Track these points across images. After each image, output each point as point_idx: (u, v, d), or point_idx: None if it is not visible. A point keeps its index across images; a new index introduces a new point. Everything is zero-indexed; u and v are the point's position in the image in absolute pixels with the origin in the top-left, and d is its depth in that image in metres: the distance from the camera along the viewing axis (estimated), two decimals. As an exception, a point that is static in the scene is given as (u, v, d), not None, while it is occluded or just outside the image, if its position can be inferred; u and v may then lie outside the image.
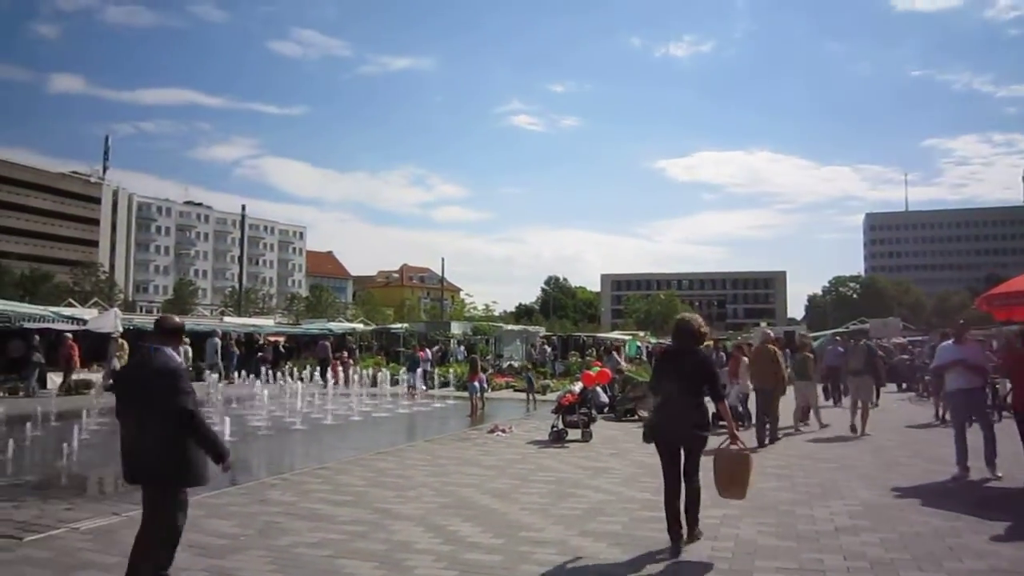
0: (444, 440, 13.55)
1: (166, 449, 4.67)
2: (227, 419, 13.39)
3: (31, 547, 6.07)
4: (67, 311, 26.81)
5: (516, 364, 34.12)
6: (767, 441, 12.30)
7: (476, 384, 18.78)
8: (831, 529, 6.75)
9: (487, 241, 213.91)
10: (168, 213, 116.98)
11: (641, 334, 55.24)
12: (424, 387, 23.77)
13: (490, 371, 27.51)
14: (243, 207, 48.67)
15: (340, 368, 26.67)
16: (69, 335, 22.65)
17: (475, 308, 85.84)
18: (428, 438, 13.83)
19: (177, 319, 5.38)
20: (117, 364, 21.32)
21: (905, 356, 28.86)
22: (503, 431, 13.95)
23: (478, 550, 6.10)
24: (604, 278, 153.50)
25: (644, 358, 36.17)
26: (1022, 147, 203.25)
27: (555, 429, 13.22)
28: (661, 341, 50.09)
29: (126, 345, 22.13)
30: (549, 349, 37.23)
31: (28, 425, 12.88)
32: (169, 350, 4.90)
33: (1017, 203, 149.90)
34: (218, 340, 27.42)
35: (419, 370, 24.66)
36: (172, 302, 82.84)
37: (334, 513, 7.38)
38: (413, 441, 13.33)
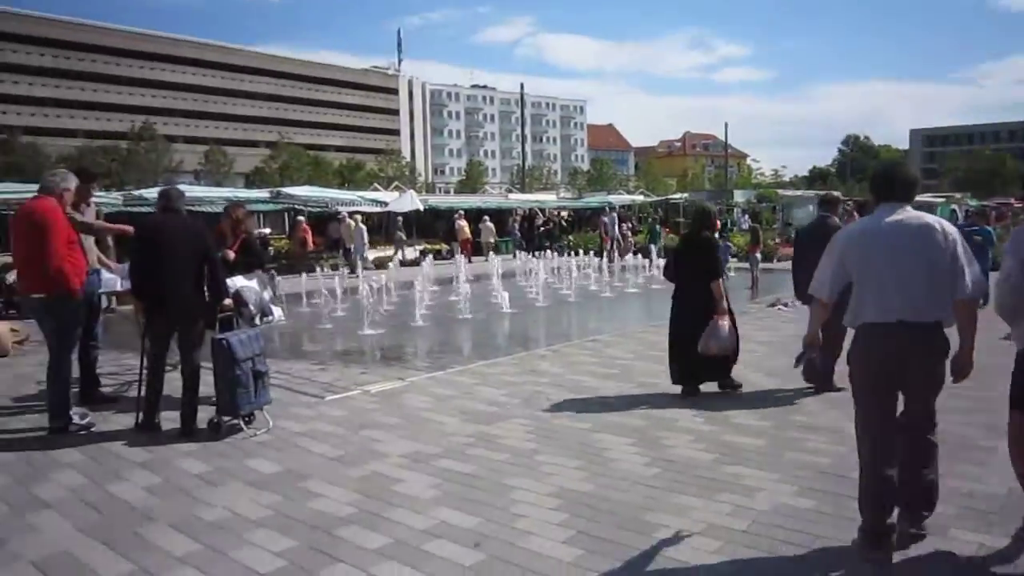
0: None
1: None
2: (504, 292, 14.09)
3: (329, 406, 6.82)
4: (370, 195, 29.63)
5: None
6: None
7: (756, 255, 17.80)
8: None
9: (774, 102, 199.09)
10: (457, 98, 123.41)
11: (958, 196, 48.54)
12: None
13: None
14: (521, 85, 49.93)
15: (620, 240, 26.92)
16: (302, 219, 25.13)
17: (762, 174, 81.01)
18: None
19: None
20: (351, 245, 23.43)
21: None
22: (784, 305, 13.06)
23: (743, 432, 5.72)
24: (913, 133, 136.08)
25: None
26: None
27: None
28: (985, 204, 43.66)
29: (353, 225, 23.62)
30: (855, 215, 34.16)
31: (338, 297, 14.42)
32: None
33: None
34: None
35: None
36: (464, 182, 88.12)
37: (597, 386, 7.38)
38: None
